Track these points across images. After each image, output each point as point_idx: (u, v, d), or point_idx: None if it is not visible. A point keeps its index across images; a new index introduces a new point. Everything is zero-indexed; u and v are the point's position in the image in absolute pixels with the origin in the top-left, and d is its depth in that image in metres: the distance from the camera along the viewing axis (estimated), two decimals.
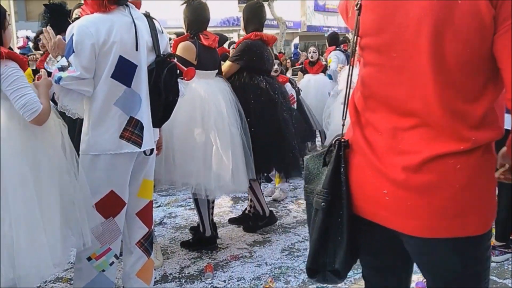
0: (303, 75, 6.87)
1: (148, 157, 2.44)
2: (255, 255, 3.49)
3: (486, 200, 1.28)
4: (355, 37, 1.39)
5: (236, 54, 3.64)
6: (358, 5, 1.35)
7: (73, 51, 2.12)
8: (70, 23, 2.40)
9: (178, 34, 4.99)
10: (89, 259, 2.31)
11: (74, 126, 2.59)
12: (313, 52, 7.06)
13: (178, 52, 3.26)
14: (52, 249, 2.02)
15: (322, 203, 1.36)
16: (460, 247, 1.29)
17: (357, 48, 1.41)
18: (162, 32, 2.48)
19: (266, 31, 3.92)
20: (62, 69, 2.12)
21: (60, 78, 2.11)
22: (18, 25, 16.16)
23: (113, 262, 2.39)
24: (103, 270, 2.36)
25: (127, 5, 2.31)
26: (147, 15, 2.42)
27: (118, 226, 2.38)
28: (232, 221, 4.17)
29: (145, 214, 2.53)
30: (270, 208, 4.05)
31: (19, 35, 4.53)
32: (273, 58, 3.94)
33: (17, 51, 5.08)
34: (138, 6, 2.40)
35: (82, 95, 2.20)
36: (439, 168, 1.23)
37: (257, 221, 3.98)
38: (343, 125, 1.43)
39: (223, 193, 3.63)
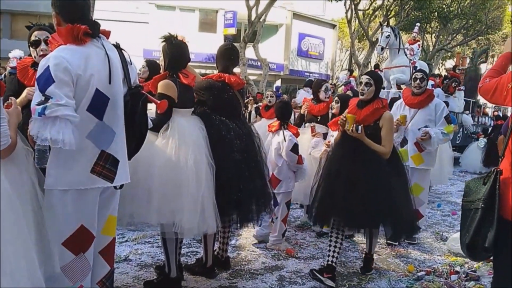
0: (260, 118, 6.77)
1: (116, 192, 2.39)
2: None
3: None
4: None
5: (196, 91, 3.60)
6: None
7: (53, 81, 2.03)
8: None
9: (148, 62, 4.92)
10: None
11: None
12: (270, 96, 7.22)
13: (160, 90, 3.21)
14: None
15: (482, 205, 2.21)
16: None
17: None
18: (131, 63, 2.46)
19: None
20: (39, 104, 2.02)
21: (44, 108, 1.99)
22: (1, 42, 15.99)
23: None
24: None
25: (99, 37, 2.29)
26: (117, 46, 2.40)
27: (88, 261, 2.30)
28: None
29: (108, 252, 2.45)
30: (239, 252, 3.94)
31: (11, 55, 4.47)
32: (239, 101, 3.78)
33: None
34: (107, 35, 2.36)
35: (69, 122, 2.05)
36: None
37: (196, 266, 3.89)
38: (500, 159, 2.32)
39: (196, 233, 3.50)
